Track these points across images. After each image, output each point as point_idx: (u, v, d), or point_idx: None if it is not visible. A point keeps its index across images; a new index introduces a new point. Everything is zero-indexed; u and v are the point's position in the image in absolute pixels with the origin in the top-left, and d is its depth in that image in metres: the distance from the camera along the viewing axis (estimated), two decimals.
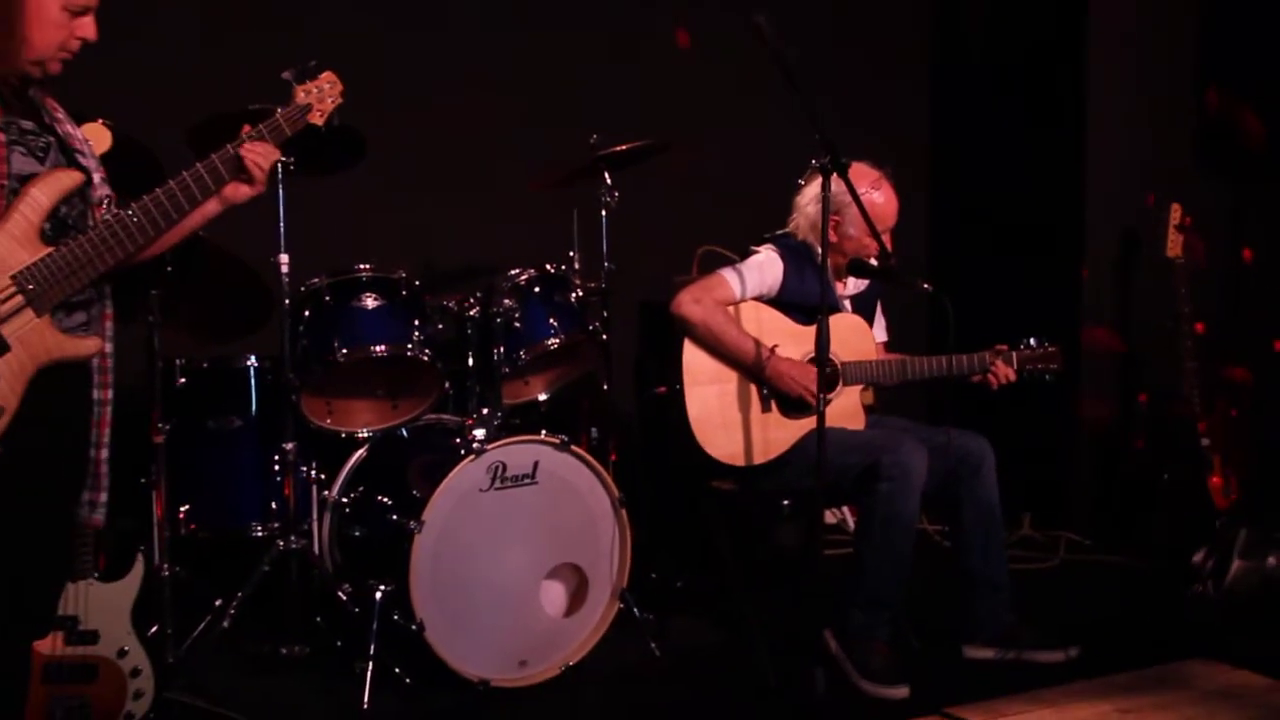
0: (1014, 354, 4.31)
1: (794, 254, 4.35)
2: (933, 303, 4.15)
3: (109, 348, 2.88)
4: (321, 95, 3.06)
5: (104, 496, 2.93)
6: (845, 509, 5.85)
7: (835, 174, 3.79)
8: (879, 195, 4.29)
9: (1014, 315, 4.90)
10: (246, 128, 2.93)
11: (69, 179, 2.70)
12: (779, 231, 4.46)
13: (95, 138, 3.20)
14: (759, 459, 4.25)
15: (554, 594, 4.19)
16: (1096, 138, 6.14)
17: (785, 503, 4.71)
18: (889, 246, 4.20)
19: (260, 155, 2.94)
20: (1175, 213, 5.49)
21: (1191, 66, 6.30)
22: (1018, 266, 6.37)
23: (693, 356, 4.25)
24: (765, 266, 4.32)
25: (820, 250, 3.90)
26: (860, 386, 4.38)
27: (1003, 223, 6.51)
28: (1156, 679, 4.03)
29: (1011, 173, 6.48)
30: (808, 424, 4.19)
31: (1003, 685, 3.96)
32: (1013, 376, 4.29)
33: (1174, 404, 5.48)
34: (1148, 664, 4.15)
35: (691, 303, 4.22)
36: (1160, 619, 4.79)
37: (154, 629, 3.91)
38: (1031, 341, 4.35)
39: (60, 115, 2.86)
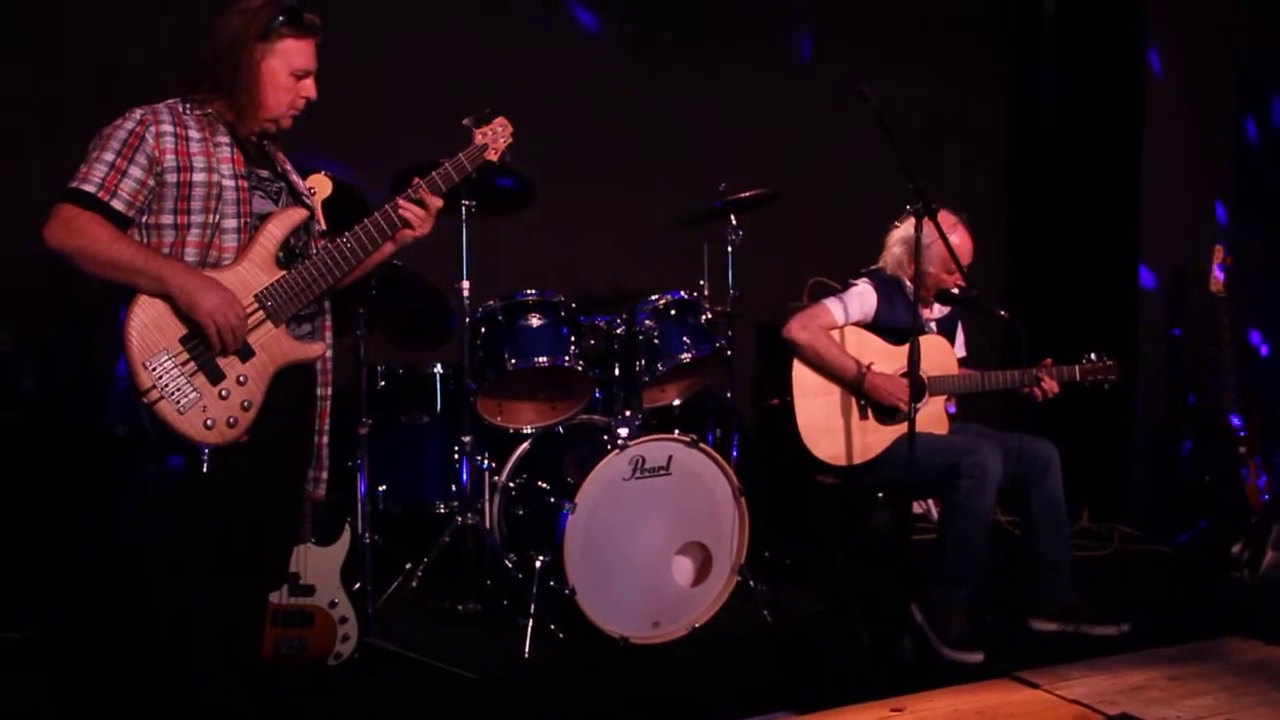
0: (1077, 366, 4.24)
1: (885, 285, 4.31)
2: (1007, 327, 4.11)
3: (329, 351, 2.94)
4: (495, 136, 3.10)
5: (325, 474, 3.00)
6: (930, 501, 5.75)
7: (926, 217, 3.79)
8: (955, 237, 4.21)
9: (1081, 335, 4.82)
10: (416, 179, 2.98)
11: (297, 215, 2.78)
12: (872, 267, 4.41)
13: (319, 186, 3.28)
14: (858, 459, 4.22)
15: (683, 567, 4.19)
16: (1151, 194, 6.02)
17: (879, 495, 4.65)
18: (965, 280, 4.17)
19: (414, 210, 2.95)
20: (1218, 253, 5.36)
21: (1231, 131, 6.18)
22: (1086, 295, 6.27)
23: (801, 374, 4.22)
24: (864, 296, 4.28)
25: (909, 283, 3.88)
26: (944, 397, 4.33)
27: (1075, 261, 6.39)
28: (1198, 653, 3.92)
29: (1082, 222, 6.36)
30: (899, 429, 4.15)
31: (1064, 653, 3.87)
32: (1055, 390, 4.22)
33: (1216, 415, 5.34)
34: (1190, 640, 4.03)
35: (800, 329, 4.20)
36: (1202, 601, 4.66)
37: (357, 585, 3.98)
38: (1093, 356, 4.28)
39: (288, 166, 2.94)
